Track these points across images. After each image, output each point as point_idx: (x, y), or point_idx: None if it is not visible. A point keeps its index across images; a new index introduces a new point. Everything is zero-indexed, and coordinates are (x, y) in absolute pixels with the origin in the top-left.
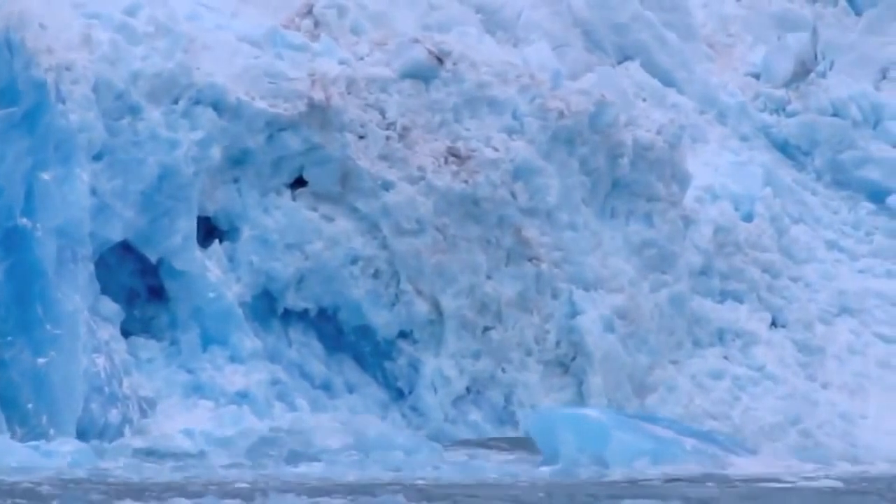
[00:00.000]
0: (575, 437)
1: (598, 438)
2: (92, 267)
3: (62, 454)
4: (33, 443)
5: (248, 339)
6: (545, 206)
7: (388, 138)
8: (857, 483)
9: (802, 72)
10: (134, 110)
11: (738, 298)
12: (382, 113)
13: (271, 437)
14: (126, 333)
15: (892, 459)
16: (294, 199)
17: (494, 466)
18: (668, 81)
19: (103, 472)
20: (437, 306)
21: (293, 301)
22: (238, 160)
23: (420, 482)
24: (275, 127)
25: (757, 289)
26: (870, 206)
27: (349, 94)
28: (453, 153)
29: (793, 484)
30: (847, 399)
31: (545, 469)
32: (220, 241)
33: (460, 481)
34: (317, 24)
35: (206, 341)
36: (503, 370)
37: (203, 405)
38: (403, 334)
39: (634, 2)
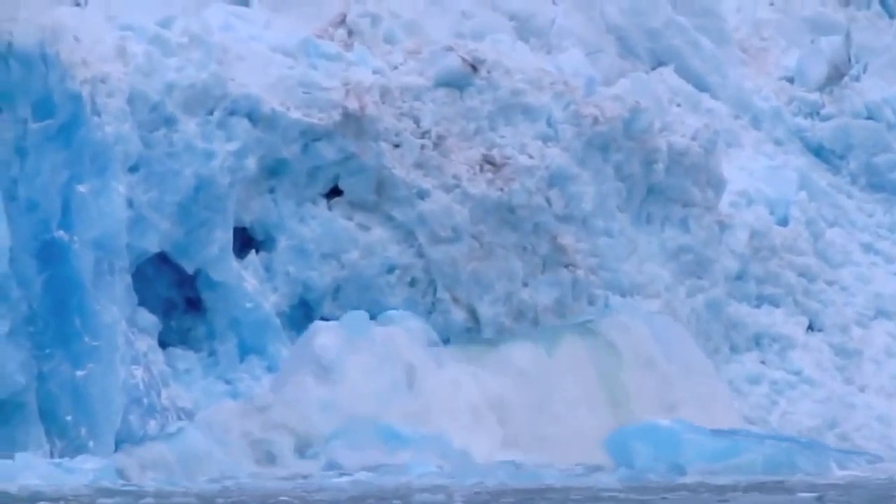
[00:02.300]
0: (648, 447)
1: (671, 445)
2: (129, 278)
3: (84, 471)
4: (56, 459)
5: (286, 349)
6: (580, 212)
7: (422, 147)
8: None
9: (836, 75)
10: (169, 122)
11: (775, 303)
12: (417, 121)
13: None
14: (164, 344)
15: None
16: (330, 208)
17: (555, 474)
18: (701, 86)
19: (139, 485)
20: (473, 314)
21: (330, 310)
22: (273, 170)
23: (476, 488)
24: (310, 136)
25: (793, 293)
26: None
27: (383, 102)
28: (488, 161)
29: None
30: (884, 402)
31: (612, 476)
32: (257, 252)
33: (515, 485)
34: (350, 33)
35: (244, 351)
36: None
37: None
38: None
39: (667, 7)
